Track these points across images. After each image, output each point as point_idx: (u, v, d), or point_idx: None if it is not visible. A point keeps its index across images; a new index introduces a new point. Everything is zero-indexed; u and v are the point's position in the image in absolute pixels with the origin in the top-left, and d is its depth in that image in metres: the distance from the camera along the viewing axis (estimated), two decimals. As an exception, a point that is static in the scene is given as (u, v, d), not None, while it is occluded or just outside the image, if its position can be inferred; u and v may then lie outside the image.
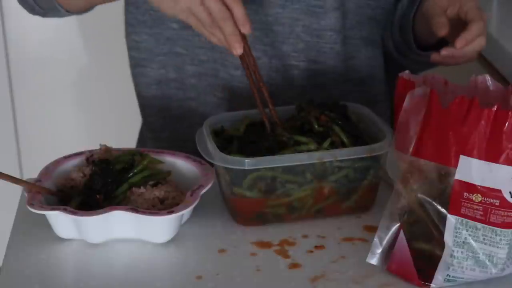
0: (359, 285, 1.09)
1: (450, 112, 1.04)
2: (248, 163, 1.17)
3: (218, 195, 1.26)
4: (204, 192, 1.19)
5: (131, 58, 1.48)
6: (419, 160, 1.07)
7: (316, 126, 1.25)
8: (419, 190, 1.07)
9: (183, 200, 1.17)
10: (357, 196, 1.23)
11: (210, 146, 1.21)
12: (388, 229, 1.09)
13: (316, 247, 1.17)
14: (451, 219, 1.05)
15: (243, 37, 1.21)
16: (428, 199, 1.06)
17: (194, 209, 1.18)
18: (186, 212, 1.17)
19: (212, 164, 1.23)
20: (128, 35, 1.47)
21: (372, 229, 1.17)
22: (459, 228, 1.05)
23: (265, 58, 1.41)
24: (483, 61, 1.87)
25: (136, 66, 1.48)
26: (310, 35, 1.41)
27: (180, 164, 1.26)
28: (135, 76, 1.48)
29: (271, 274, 1.11)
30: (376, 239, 1.10)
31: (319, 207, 1.22)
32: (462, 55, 1.23)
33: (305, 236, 1.19)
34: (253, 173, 1.18)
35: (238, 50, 1.19)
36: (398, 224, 1.09)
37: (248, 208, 1.21)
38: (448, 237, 1.05)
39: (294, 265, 1.13)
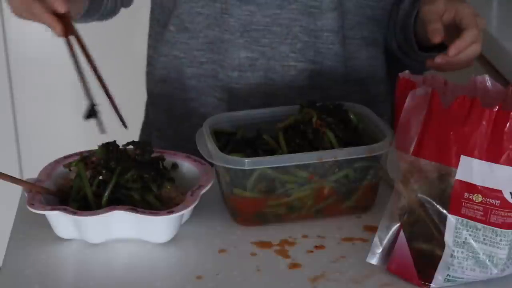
0: (359, 285, 1.09)
1: (451, 112, 1.04)
2: (248, 163, 1.17)
3: (218, 195, 1.26)
4: (204, 192, 1.18)
5: (147, 55, 1.53)
6: (419, 160, 1.06)
7: (310, 129, 1.24)
8: (419, 190, 1.07)
9: (183, 200, 1.17)
10: (357, 196, 1.23)
11: (210, 146, 1.21)
12: (388, 229, 1.09)
13: (316, 247, 1.17)
14: (452, 219, 1.05)
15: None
16: (429, 199, 1.06)
17: (194, 209, 1.18)
18: (186, 212, 1.17)
19: (212, 164, 1.22)
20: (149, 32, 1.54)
21: (372, 229, 1.17)
22: (459, 228, 1.04)
23: (263, 59, 1.41)
24: (483, 61, 1.86)
25: (147, 64, 1.52)
26: (308, 36, 1.41)
27: (180, 164, 1.26)
28: (146, 74, 1.53)
29: (271, 274, 1.11)
30: (376, 239, 1.10)
31: (319, 207, 1.22)
32: (457, 62, 1.24)
33: (305, 236, 1.19)
34: (253, 173, 1.18)
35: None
36: (398, 224, 1.09)
37: (248, 208, 1.21)
38: (448, 237, 1.05)
39: (294, 265, 1.13)
